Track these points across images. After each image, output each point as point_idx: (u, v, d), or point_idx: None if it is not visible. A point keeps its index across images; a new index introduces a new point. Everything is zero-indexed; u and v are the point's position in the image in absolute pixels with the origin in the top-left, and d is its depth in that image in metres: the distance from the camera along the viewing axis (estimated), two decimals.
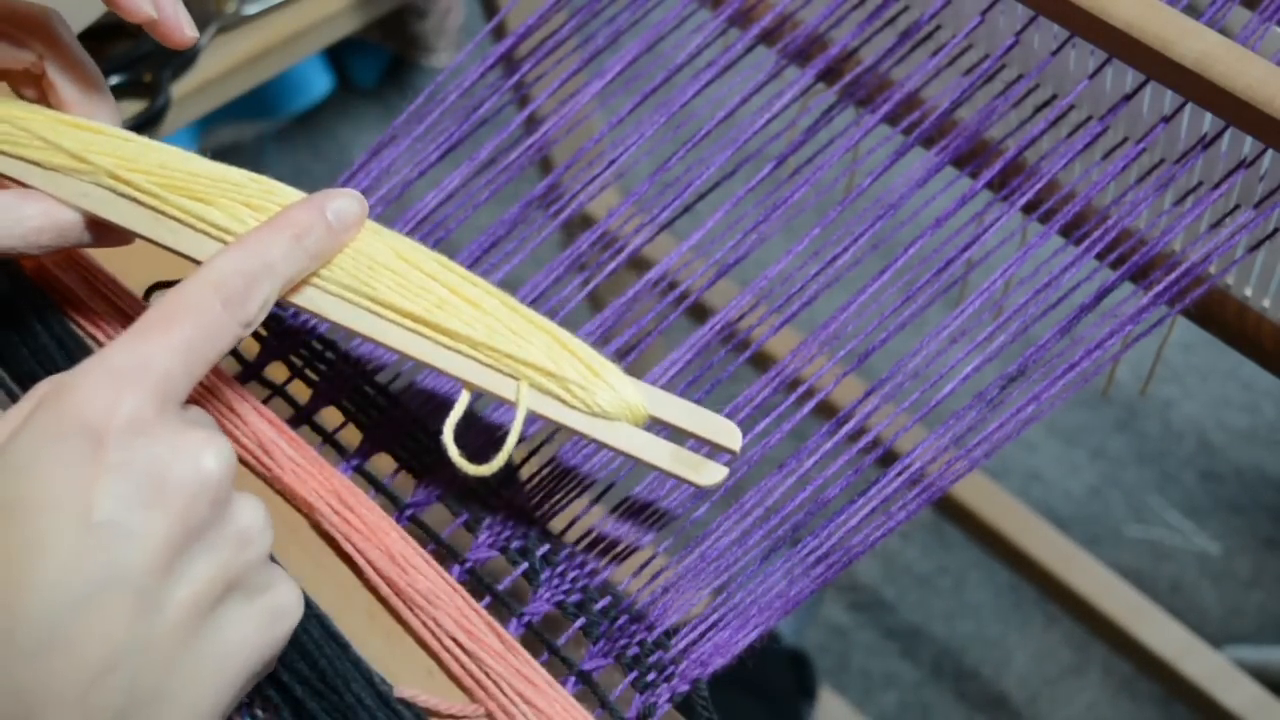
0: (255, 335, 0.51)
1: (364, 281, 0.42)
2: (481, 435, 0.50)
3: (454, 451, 0.42)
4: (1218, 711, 1.05)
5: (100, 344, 0.48)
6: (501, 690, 0.42)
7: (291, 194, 0.43)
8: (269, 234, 0.40)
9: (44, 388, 0.36)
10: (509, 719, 0.42)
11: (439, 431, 0.44)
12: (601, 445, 0.42)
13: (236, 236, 0.42)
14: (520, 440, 0.44)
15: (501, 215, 0.54)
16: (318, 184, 0.49)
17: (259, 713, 0.42)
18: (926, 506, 0.49)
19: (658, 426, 0.43)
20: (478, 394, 0.42)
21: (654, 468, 0.42)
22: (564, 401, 0.42)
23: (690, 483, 0.42)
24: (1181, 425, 1.49)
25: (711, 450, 0.43)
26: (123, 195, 0.43)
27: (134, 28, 0.45)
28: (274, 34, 0.90)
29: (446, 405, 0.51)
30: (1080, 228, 0.51)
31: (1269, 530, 1.43)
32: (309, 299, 0.42)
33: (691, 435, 0.43)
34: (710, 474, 0.42)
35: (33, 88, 0.46)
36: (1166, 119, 0.49)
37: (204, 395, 0.47)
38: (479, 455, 0.43)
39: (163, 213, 0.43)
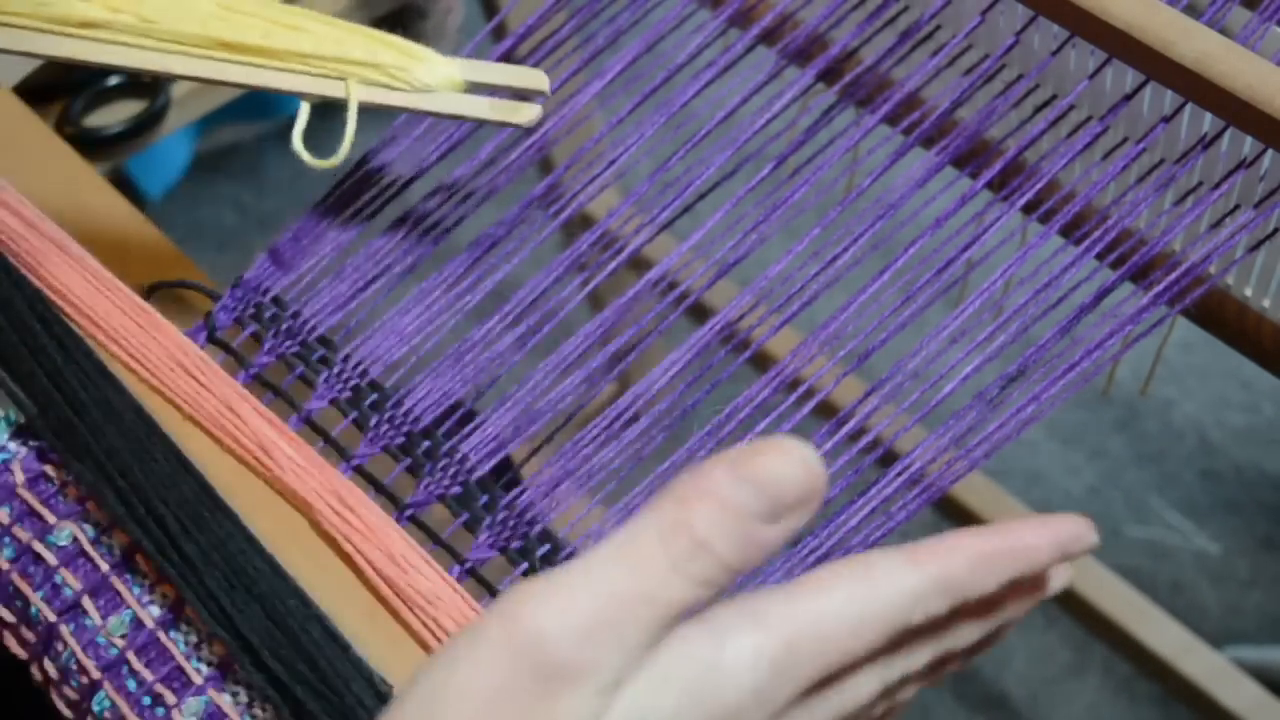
0: (255, 335, 0.51)
1: (197, 30, 0.46)
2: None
3: (305, 154, 0.48)
4: (1218, 711, 1.05)
5: (100, 343, 0.48)
6: None
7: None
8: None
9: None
10: None
11: (438, 430, 0.44)
12: (430, 114, 0.48)
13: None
14: (520, 441, 0.44)
15: (501, 215, 0.54)
16: (317, 184, 0.49)
17: (259, 712, 0.42)
18: (926, 506, 0.49)
19: (477, 91, 0.49)
20: (316, 101, 0.48)
21: (478, 119, 0.49)
22: (390, 87, 0.48)
23: (511, 124, 0.48)
24: (1181, 425, 1.49)
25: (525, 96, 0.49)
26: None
27: None
28: None
29: (446, 406, 0.51)
30: (1080, 228, 0.51)
31: (1269, 530, 1.43)
32: (152, 60, 0.47)
33: (505, 88, 0.49)
34: (526, 113, 0.49)
35: None
36: (1166, 119, 0.49)
37: (204, 395, 0.47)
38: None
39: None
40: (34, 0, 0.47)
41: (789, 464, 0.30)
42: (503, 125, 0.49)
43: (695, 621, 0.30)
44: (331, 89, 0.48)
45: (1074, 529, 0.36)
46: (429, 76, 0.48)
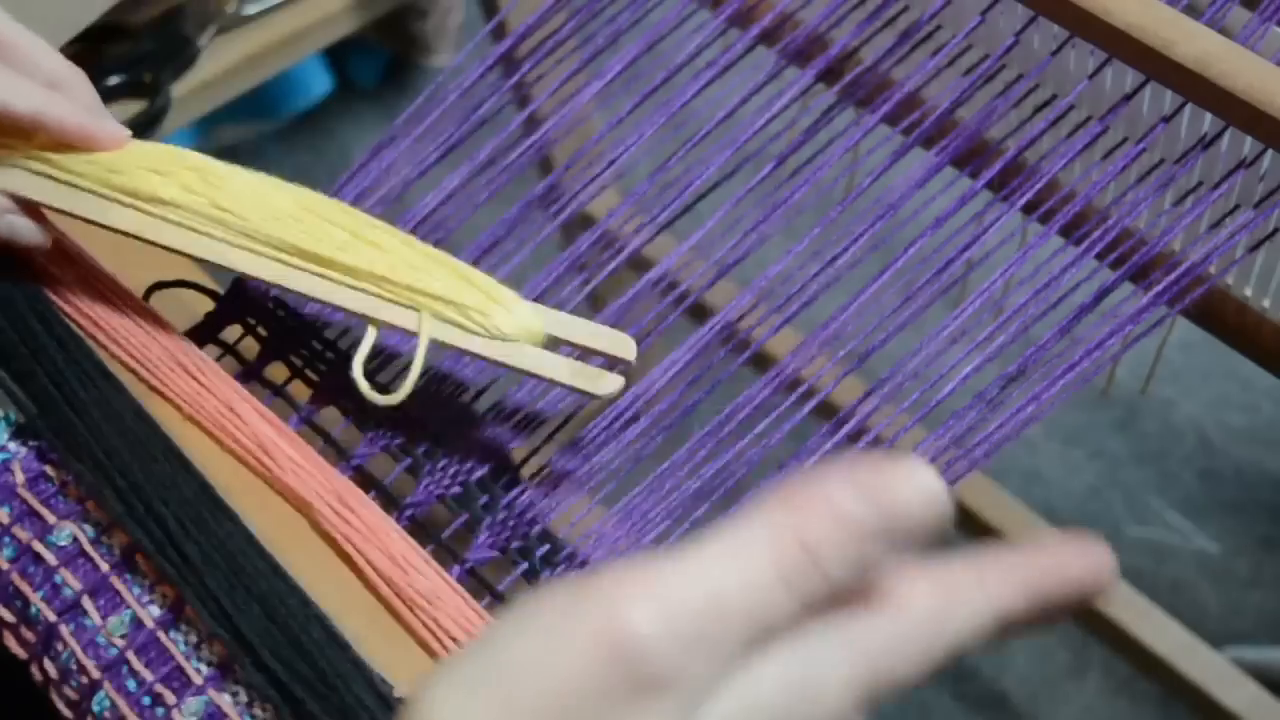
0: (255, 335, 0.51)
1: (271, 230, 0.44)
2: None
3: (364, 385, 0.44)
4: (1218, 711, 1.05)
5: (100, 343, 0.48)
6: None
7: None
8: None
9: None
10: None
11: (439, 430, 0.44)
12: (506, 366, 0.44)
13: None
14: (520, 441, 0.44)
15: (501, 215, 0.54)
16: (318, 184, 0.49)
17: (258, 712, 0.42)
18: None
19: (561, 346, 0.45)
20: (384, 328, 0.45)
21: (554, 383, 0.45)
22: (465, 328, 0.44)
23: (588, 393, 0.45)
24: (1181, 425, 1.49)
25: (610, 363, 0.45)
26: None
27: (134, 28, 0.45)
28: (274, 34, 0.90)
29: (446, 405, 0.51)
30: (1080, 228, 0.51)
31: (1268, 530, 1.43)
32: (216, 252, 0.44)
33: (591, 351, 0.45)
34: (607, 384, 0.45)
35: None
36: (1166, 119, 0.49)
37: (204, 395, 0.47)
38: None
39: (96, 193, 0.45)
40: (104, 166, 0.45)
41: (919, 493, 0.28)
42: (579, 393, 0.45)
43: (788, 642, 0.28)
44: (402, 318, 0.44)
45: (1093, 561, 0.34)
46: (508, 326, 0.44)
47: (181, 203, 0.45)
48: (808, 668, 0.28)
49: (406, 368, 0.44)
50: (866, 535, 0.28)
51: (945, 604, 0.30)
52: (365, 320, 0.44)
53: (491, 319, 0.44)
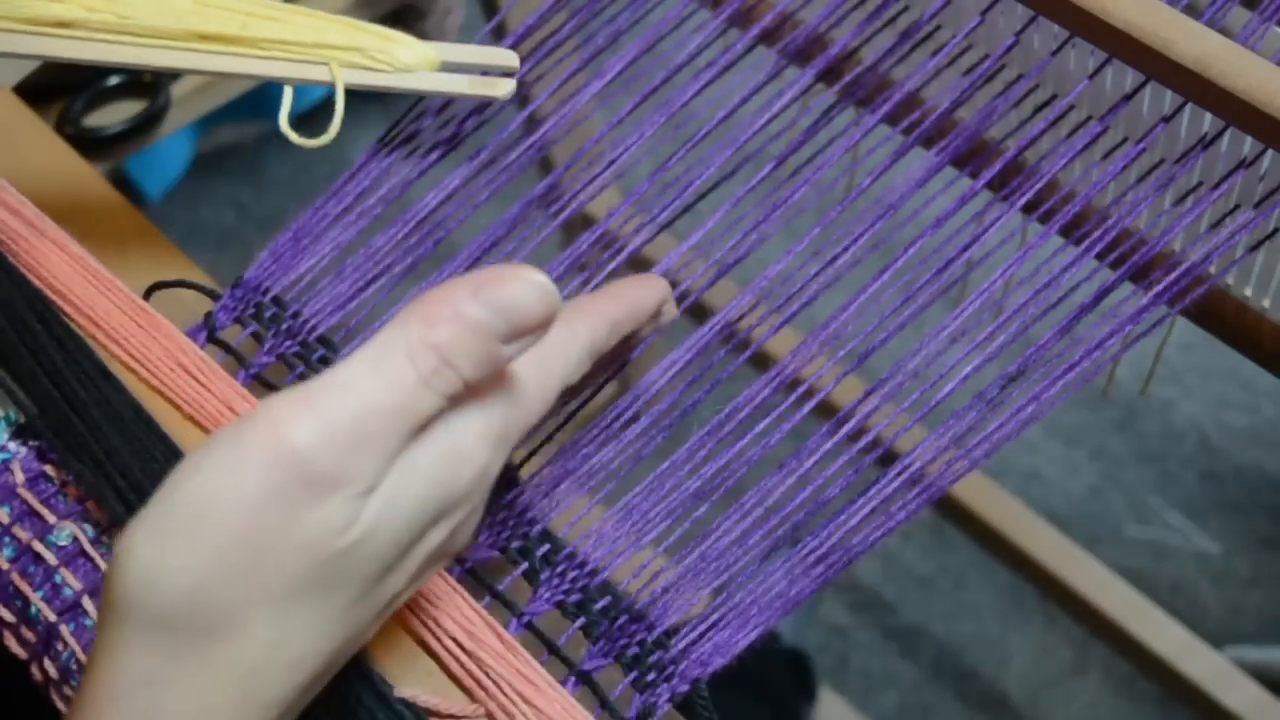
0: (255, 335, 0.51)
1: (177, 24, 0.47)
2: None
3: (292, 134, 0.49)
4: (1218, 711, 1.05)
5: (100, 343, 0.48)
6: (501, 690, 0.42)
7: None
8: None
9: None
10: (509, 719, 0.42)
11: None
12: (412, 92, 0.50)
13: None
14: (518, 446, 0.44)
15: (501, 215, 0.54)
16: (318, 184, 0.49)
17: None
18: (926, 506, 0.49)
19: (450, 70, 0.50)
20: (298, 85, 0.49)
21: (458, 94, 0.51)
22: (371, 69, 0.49)
23: (489, 97, 0.50)
24: (1181, 425, 1.49)
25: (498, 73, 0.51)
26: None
27: None
28: None
29: None
30: (1080, 228, 0.51)
31: (1268, 530, 1.43)
32: (132, 55, 0.47)
33: (478, 66, 0.51)
34: (502, 87, 0.51)
35: None
36: (1166, 119, 0.49)
37: (204, 395, 0.47)
38: None
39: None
40: (7, 4, 0.47)
41: (529, 290, 0.34)
42: (480, 99, 0.51)
43: (435, 426, 0.34)
44: (315, 73, 0.49)
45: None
46: (408, 57, 0.49)
47: (86, 21, 0.47)
48: (451, 436, 0.35)
49: None
50: (491, 335, 0.33)
51: (544, 354, 0.38)
52: (282, 81, 0.49)
53: (393, 54, 0.49)
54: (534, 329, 0.34)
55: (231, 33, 0.48)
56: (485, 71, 0.51)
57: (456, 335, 0.33)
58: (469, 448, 0.35)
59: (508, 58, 0.51)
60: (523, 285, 0.33)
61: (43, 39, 0.47)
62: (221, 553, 0.32)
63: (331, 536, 0.32)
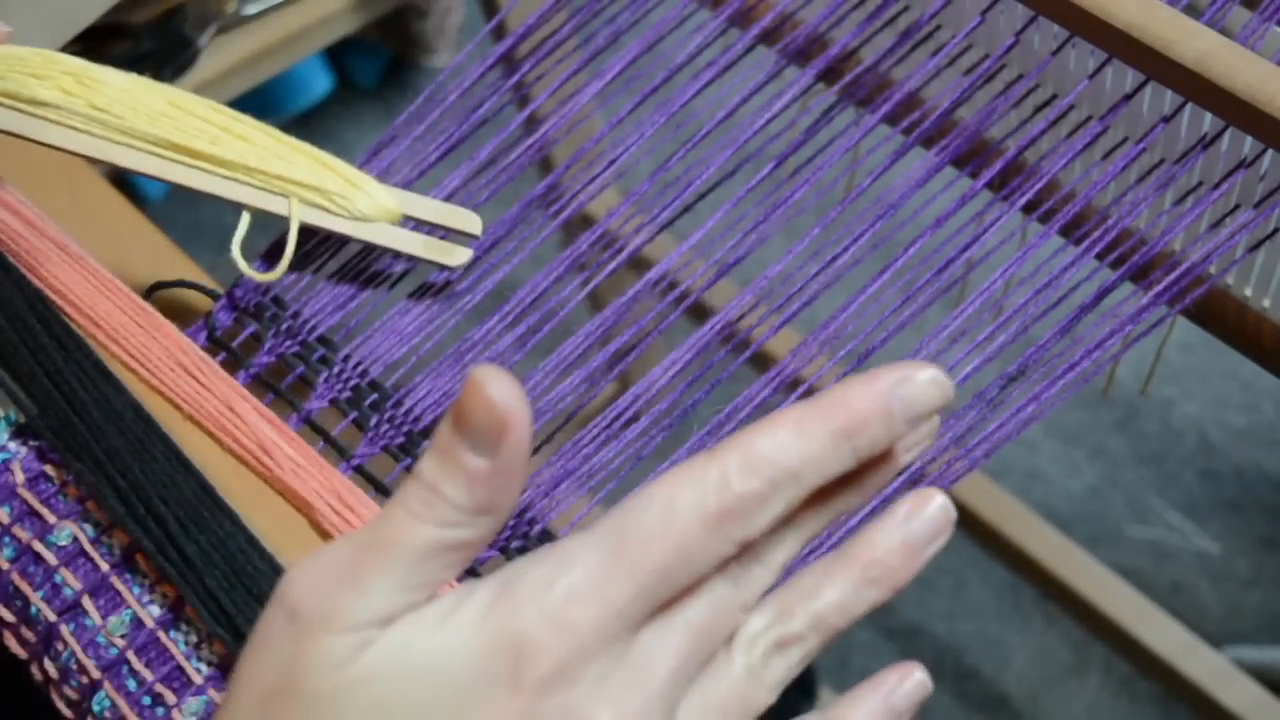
0: (255, 335, 0.51)
1: (147, 127, 0.47)
2: None
3: (242, 263, 0.48)
4: (1218, 711, 1.05)
5: (100, 343, 0.48)
6: None
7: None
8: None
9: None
10: None
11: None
12: (365, 242, 0.50)
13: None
14: None
15: (501, 215, 0.54)
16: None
17: None
18: None
19: (413, 224, 0.51)
20: (258, 213, 0.49)
21: (410, 256, 0.50)
22: (329, 210, 0.49)
23: (441, 265, 0.50)
24: (1181, 425, 1.49)
25: (459, 239, 0.51)
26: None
27: (134, 27, 0.45)
28: (274, 34, 0.90)
29: (446, 406, 0.51)
30: (1080, 228, 0.51)
31: (1268, 530, 1.43)
32: (98, 149, 0.47)
33: (442, 227, 0.51)
34: (457, 256, 0.51)
35: None
36: (1166, 119, 0.49)
37: (204, 395, 0.47)
38: None
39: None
40: None
41: (477, 397, 0.30)
42: (432, 264, 0.51)
43: (490, 577, 0.32)
44: (274, 204, 0.49)
45: (897, 374, 0.33)
46: (367, 207, 0.49)
47: (60, 104, 0.48)
48: (467, 600, 0.31)
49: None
50: (457, 452, 0.31)
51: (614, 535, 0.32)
52: (241, 206, 0.49)
53: (352, 201, 0.49)
54: (494, 433, 0.30)
55: (200, 147, 0.48)
56: (446, 235, 0.51)
57: (431, 459, 0.31)
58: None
59: (471, 222, 0.51)
60: (471, 394, 0.30)
61: (13, 114, 0.48)
62: (234, 706, 0.32)
63: (322, 674, 0.31)
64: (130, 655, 0.43)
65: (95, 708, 0.43)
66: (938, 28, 0.55)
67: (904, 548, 0.33)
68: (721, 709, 0.32)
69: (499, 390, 0.30)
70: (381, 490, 0.48)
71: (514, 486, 0.31)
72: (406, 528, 0.31)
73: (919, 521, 0.33)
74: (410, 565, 0.31)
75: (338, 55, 1.61)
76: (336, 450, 0.49)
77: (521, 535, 0.48)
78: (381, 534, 0.31)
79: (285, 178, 0.48)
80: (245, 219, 0.49)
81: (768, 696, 0.33)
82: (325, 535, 0.45)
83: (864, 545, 0.33)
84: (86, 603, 0.44)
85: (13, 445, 0.47)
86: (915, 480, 0.49)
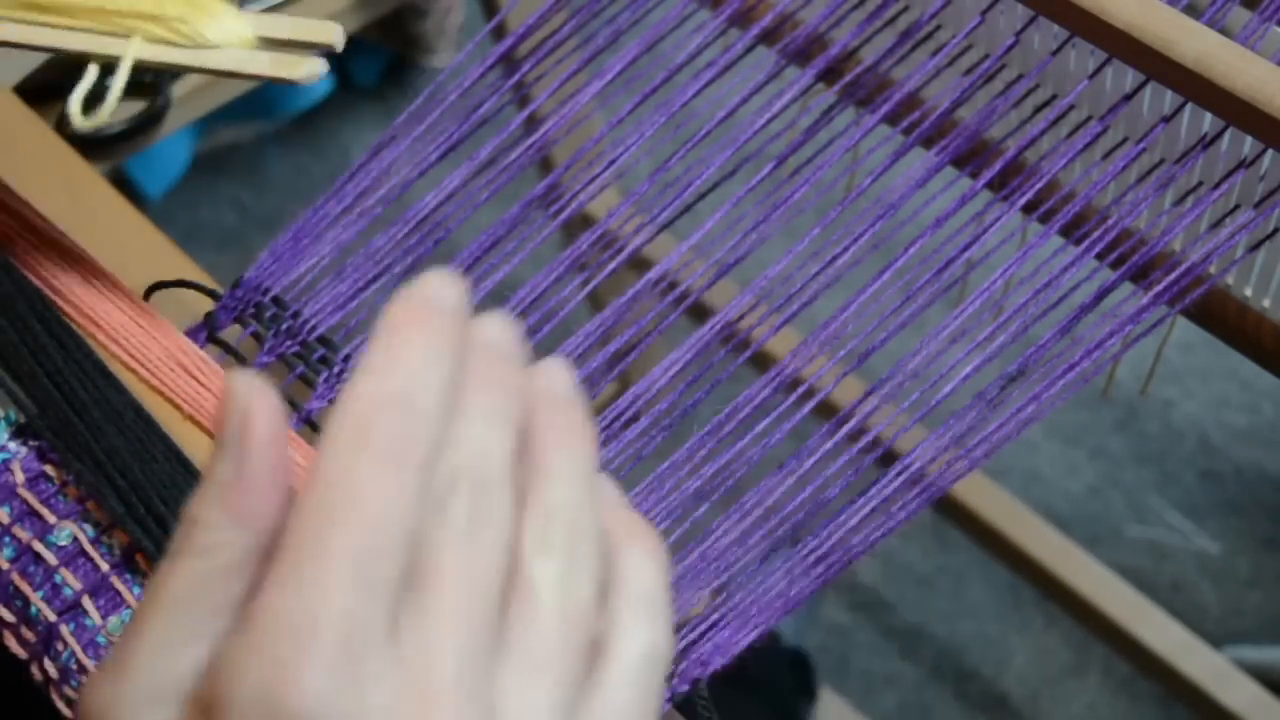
0: (255, 335, 0.51)
1: None
2: None
3: (75, 112, 0.45)
4: (1218, 711, 1.05)
5: (100, 343, 0.48)
6: None
7: None
8: None
9: None
10: None
11: None
12: (209, 72, 0.45)
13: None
14: None
15: (501, 215, 0.55)
16: (318, 184, 0.49)
17: None
18: (926, 506, 0.49)
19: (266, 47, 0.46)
20: (102, 62, 0.45)
21: (258, 77, 0.45)
22: (173, 43, 0.45)
23: (291, 79, 0.45)
24: (1181, 425, 1.49)
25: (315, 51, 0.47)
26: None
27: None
28: None
29: None
30: (1080, 228, 0.51)
31: (1269, 530, 1.43)
32: None
33: (297, 43, 0.46)
34: (306, 67, 0.45)
35: None
36: (1166, 119, 0.49)
37: (204, 395, 0.47)
38: None
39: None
40: None
41: (221, 401, 0.28)
42: (282, 81, 0.46)
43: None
44: (115, 47, 0.45)
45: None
46: (215, 33, 0.46)
47: None
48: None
49: None
50: (213, 472, 0.28)
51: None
52: (86, 58, 0.46)
53: (197, 28, 0.45)
54: (235, 441, 0.28)
55: (45, 1, 0.45)
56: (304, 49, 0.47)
57: (197, 491, 0.29)
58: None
59: (328, 31, 0.46)
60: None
61: None
62: None
63: None
64: None
65: None
66: (938, 28, 0.55)
67: (561, 401, 0.32)
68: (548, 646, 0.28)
69: (240, 385, 0.28)
70: None
71: (270, 486, 0.28)
72: (164, 572, 0.28)
73: (552, 380, 0.32)
74: (179, 609, 0.27)
75: (338, 55, 1.60)
76: None
77: None
78: (145, 594, 0.28)
79: (125, 11, 0.45)
80: (91, 70, 0.46)
81: (580, 590, 0.29)
82: None
83: (536, 419, 0.31)
84: (86, 603, 0.44)
85: (13, 445, 0.47)
86: (915, 480, 0.49)
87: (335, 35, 0.45)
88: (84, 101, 0.45)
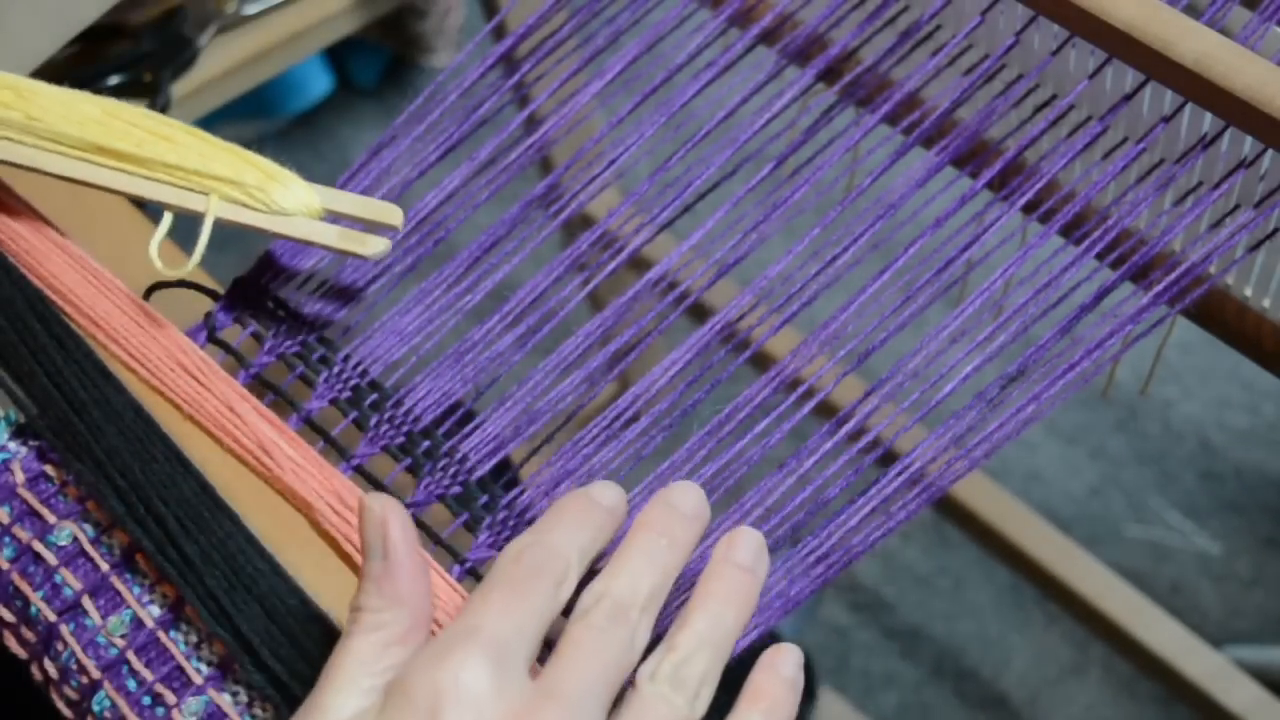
0: (255, 335, 0.51)
1: (77, 133, 0.48)
2: None
3: (159, 261, 0.48)
4: (1218, 711, 1.05)
5: (100, 343, 0.48)
6: None
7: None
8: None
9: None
10: None
11: (438, 430, 0.44)
12: (282, 237, 0.49)
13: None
14: (520, 441, 0.44)
15: (501, 215, 0.54)
16: (317, 184, 0.49)
17: (259, 712, 0.42)
18: (926, 506, 0.49)
19: (333, 218, 0.50)
20: (179, 213, 0.49)
21: (325, 247, 0.49)
22: (249, 206, 0.49)
23: (357, 255, 0.49)
24: (1181, 425, 1.49)
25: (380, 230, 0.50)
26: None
27: (134, 28, 0.45)
28: (274, 34, 0.90)
29: (446, 406, 0.51)
30: (1080, 228, 0.51)
31: (1269, 530, 1.43)
32: (28, 157, 0.48)
33: (363, 220, 0.50)
34: (373, 245, 0.49)
35: None
36: (1166, 119, 0.49)
37: (204, 395, 0.47)
38: None
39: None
40: None
41: (360, 516, 0.39)
42: (351, 255, 0.50)
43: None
44: (195, 202, 0.49)
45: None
46: (286, 201, 0.49)
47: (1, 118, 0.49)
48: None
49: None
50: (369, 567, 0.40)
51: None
52: (162, 206, 0.49)
53: (271, 195, 0.49)
54: (411, 565, 0.39)
55: (126, 149, 0.48)
56: (368, 227, 0.50)
57: (357, 589, 0.39)
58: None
59: (393, 214, 0.50)
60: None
61: None
62: None
63: None
64: (130, 655, 0.43)
65: (95, 708, 0.43)
66: (938, 28, 0.55)
67: (737, 569, 0.42)
68: None
69: (373, 503, 0.39)
70: (381, 490, 0.48)
71: (414, 575, 0.39)
72: (340, 650, 0.38)
73: (738, 550, 0.42)
74: (356, 674, 0.37)
75: (338, 55, 1.61)
76: (336, 450, 0.49)
77: None
78: (327, 666, 0.38)
79: (204, 173, 0.48)
80: (167, 218, 0.49)
81: (687, 708, 0.38)
82: (325, 535, 0.45)
83: (707, 578, 0.42)
84: (86, 603, 0.44)
85: (13, 445, 0.47)
86: (915, 480, 0.49)
87: (397, 218, 0.50)
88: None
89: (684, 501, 0.42)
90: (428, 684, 0.36)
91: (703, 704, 0.39)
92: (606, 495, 0.42)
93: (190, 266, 0.48)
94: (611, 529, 0.42)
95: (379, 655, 0.38)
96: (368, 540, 0.39)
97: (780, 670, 0.41)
